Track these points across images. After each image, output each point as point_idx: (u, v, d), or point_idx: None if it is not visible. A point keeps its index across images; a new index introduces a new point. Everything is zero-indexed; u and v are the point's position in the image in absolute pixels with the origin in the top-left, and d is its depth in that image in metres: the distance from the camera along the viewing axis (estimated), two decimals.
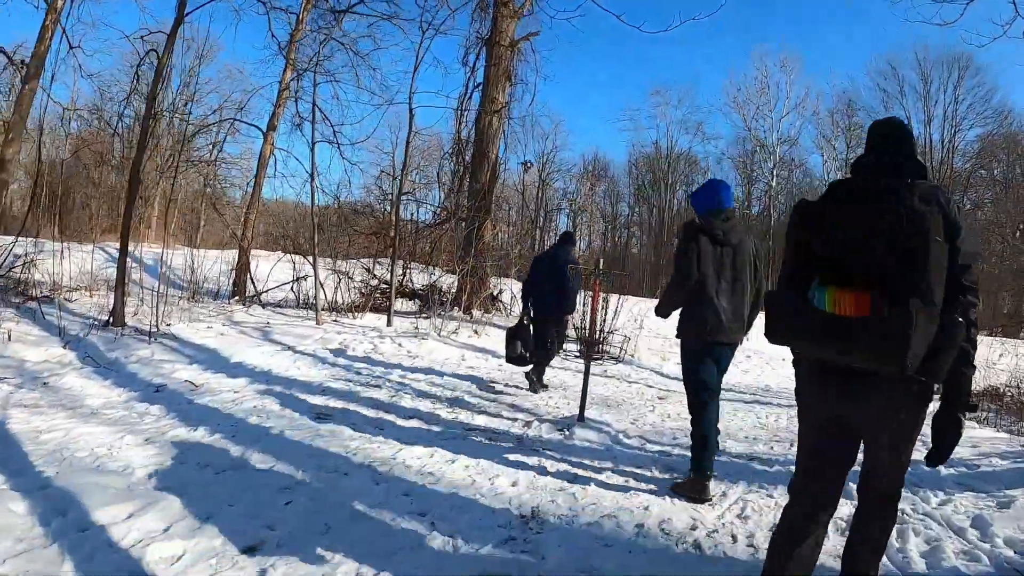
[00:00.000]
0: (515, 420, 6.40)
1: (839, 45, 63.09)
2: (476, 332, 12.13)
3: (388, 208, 19.01)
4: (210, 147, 34.72)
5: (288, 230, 17.73)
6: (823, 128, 49.88)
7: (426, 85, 42.73)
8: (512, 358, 7.88)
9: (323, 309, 13.30)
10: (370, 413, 6.12)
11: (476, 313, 14.49)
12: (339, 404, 6.38)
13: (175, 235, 28.08)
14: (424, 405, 6.68)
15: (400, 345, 10.22)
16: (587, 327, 6.79)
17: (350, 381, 7.56)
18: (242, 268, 15.06)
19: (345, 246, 15.51)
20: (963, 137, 44.87)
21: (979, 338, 2.55)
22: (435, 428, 5.82)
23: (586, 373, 6.61)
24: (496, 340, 11.75)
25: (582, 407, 6.49)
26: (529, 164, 15.53)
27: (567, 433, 5.96)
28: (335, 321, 12.39)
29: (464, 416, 6.39)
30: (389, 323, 12.16)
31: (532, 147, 44.55)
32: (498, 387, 8.11)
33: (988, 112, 44.52)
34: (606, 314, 6.43)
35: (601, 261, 6.60)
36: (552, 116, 36.78)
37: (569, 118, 68.39)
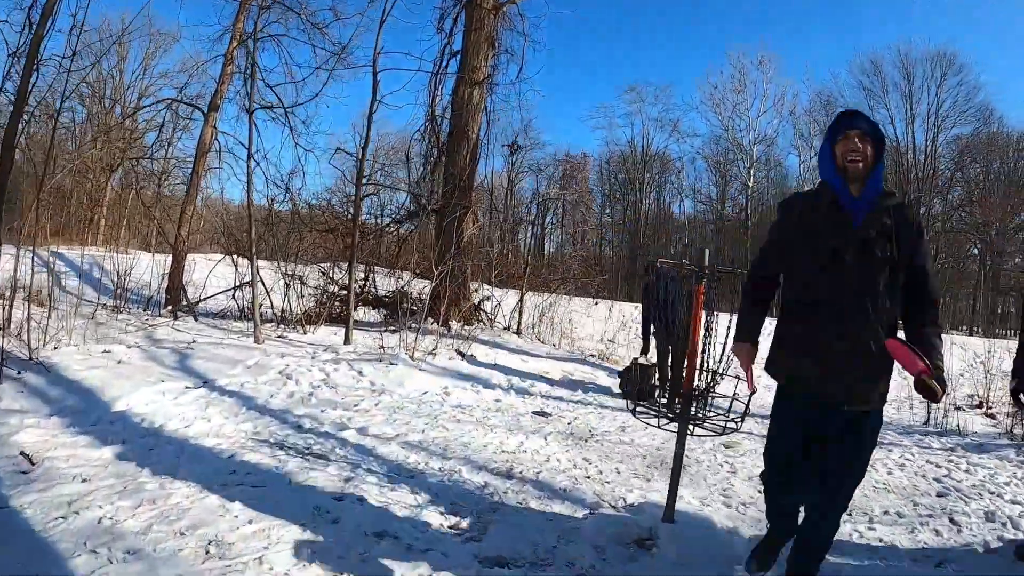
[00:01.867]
0: (562, 520, 3.98)
1: (821, 43, 61.94)
2: (459, 353, 9.71)
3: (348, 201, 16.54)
4: (163, 142, 31.60)
5: (231, 227, 14.98)
6: (800, 128, 48.65)
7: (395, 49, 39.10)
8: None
9: (268, 321, 10.79)
10: (303, 534, 3.45)
11: (455, 326, 12.07)
12: (250, 510, 3.67)
13: (127, 240, 25.14)
14: (399, 503, 4.03)
15: (360, 373, 7.78)
16: (683, 367, 4.30)
17: (280, 447, 5.00)
18: (175, 273, 12.41)
19: (297, 246, 12.92)
20: (945, 136, 44.07)
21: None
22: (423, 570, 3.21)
23: (680, 445, 3.82)
24: (486, 362, 9.37)
25: (671, 498, 3.92)
26: (517, 146, 12.69)
27: (648, 544, 3.55)
28: (281, 337, 9.90)
29: (469, 522, 3.87)
30: (347, 340, 9.71)
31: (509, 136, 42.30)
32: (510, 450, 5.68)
33: (971, 111, 43.81)
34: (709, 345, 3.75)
35: (707, 253, 3.89)
36: (537, 94, 33.76)
37: (541, 114, 65.92)
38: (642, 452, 5.86)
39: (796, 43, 61.63)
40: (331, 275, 12.55)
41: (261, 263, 9.92)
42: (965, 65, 43.40)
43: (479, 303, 13.32)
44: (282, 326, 10.93)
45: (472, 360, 9.52)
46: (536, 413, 7.23)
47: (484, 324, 13.01)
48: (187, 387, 6.49)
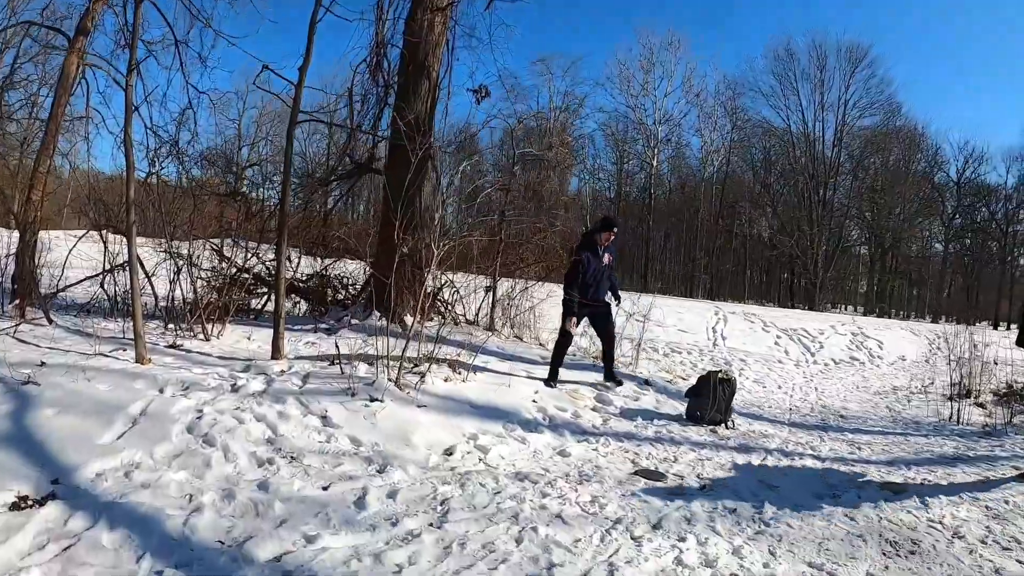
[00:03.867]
0: None
1: (736, 25, 61.50)
2: (461, 368, 6.68)
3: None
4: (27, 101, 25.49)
5: (99, 193, 10.94)
6: (705, 109, 47.77)
7: None
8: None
9: (152, 318, 7.42)
10: None
11: (410, 321, 8.99)
12: None
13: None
14: None
15: (326, 421, 4.80)
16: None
17: None
18: (23, 255, 8.64)
19: (190, 217, 9.32)
20: (851, 128, 44.69)
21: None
22: None
23: None
24: (490, 381, 6.49)
25: None
26: (485, 91, 9.44)
27: None
28: (174, 348, 6.66)
29: None
30: (277, 351, 6.47)
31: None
32: None
33: (879, 103, 44.64)
34: None
35: None
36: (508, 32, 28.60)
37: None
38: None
39: (709, 24, 61.10)
40: (228, 255, 9.14)
41: (139, 241, 6.50)
42: (877, 59, 43.84)
43: (437, 291, 10.22)
44: (172, 327, 7.52)
45: (490, 381, 6.58)
46: (643, 474, 4.64)
47: (445, 319, 9.94)
48: (8, 505, 3.16)
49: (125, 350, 6.11)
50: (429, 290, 9.95)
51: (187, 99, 9.39)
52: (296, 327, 8.78)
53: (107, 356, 5.94)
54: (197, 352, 6.64)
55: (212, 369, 5.84)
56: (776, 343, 13.59)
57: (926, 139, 45.91)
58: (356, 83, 9.77)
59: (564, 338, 7.30)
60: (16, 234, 9.01)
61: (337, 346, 6.72)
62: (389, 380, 5.67)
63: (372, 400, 5.15)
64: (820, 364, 12.17)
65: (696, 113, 47.90)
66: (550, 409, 6.08)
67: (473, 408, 5.61)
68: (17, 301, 8.07)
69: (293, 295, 10.14)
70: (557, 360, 7.27)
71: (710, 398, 6.32)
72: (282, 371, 5.98)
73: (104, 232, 8.76)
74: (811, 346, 13.54)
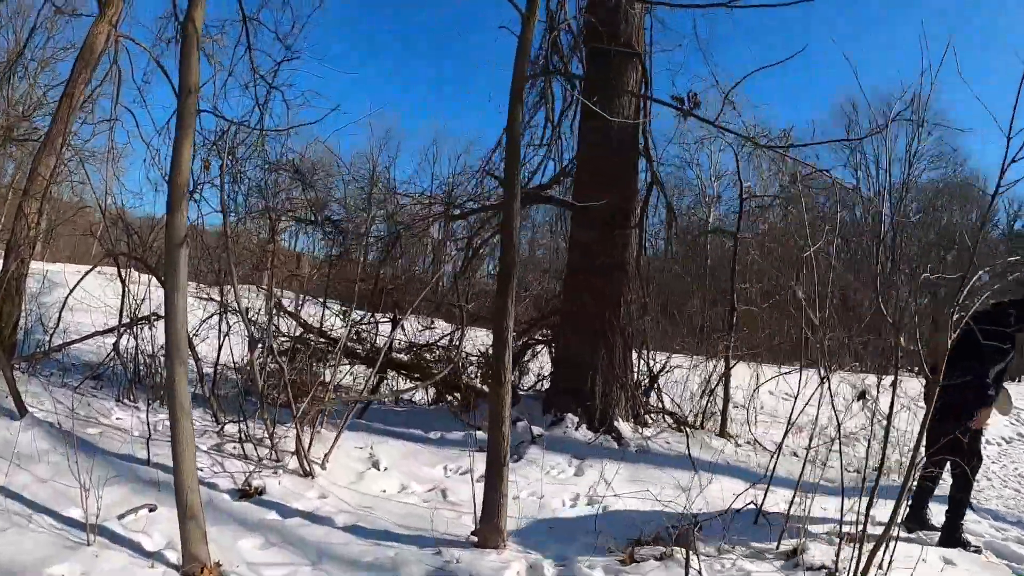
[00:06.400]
0: None
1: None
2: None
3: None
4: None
5: (121, 214, 7.24)
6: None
7: None
8: None
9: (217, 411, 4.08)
10: None
11: (625, 429, 5.42)
12: None
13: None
14: None
15: None
16: None
17: None
18: (8, 292, 5.19)
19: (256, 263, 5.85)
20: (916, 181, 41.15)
21: None
22: None
23: None
24: None
25: None
26: (694, 100, 5.70)
27: None
28: (247, 494, 3.53)
29: None
30: (494, 532, 2.85)
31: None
32: None
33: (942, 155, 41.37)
34: None
35: None
36: None
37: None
38: None
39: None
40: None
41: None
42: (941, 112, 40.44)
43: (653, 378, 6.57)
44: (241, 439, 4.02)
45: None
46: None
47: (664, 421, 6.27)
48: None
49: (142, 512, 2.67)
50: (641, 379, 6.42)
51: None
52: (432, 433, 5.36)
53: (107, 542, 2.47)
54: (300, 514, 3.43)
55: None
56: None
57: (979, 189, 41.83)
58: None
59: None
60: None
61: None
62: None
63: None
64: None
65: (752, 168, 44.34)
66: None
67: None
68: None
69: (396, 371, 6.59)
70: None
71: None
72: None
73: (125, 264, 5.34)
74: None
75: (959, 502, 4.14)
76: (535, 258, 19.89)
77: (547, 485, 4.24)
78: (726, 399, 6.76)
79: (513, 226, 3.31)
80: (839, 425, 3.66)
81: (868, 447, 5.47)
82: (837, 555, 3.17)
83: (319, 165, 8.01)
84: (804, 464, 3.79)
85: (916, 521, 4.31)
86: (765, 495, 3.90)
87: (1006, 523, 5.19)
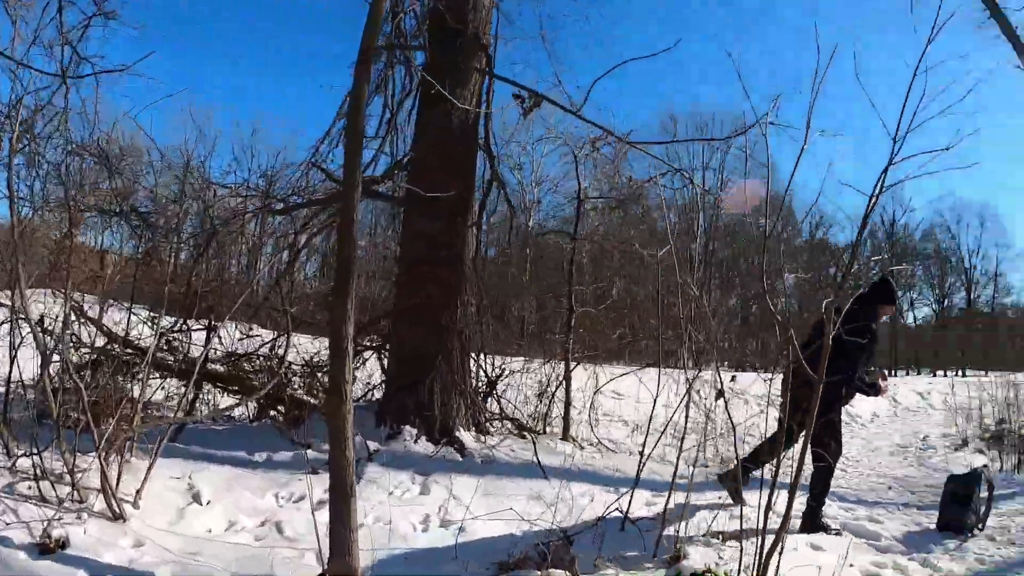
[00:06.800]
0: None
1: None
2: None
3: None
4: None
5: None
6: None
7: None
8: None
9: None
10: None
11: (468, 439, 5.18)
12: None
13: None
14: None
15: None
16: None
17: None
18: None
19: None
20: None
21: None
22: None
23: None
24: None
25: None
26: (535, 99, 5.29)
27: None
28: (50, 549, 2.78)
29: None
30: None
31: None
32: None
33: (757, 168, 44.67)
34: None
35: None
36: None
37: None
38: None
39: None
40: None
41: None
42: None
43: (492, 383, 6.31)
44: (36, 477, 3.27)
45: None
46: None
47: (505, 428, 6.04)
48: None
49: None
50: (480, 385, 6.19)
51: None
52: (257, 454, 4.76)
53: None
54: (112, 570, 2.85)
55: None
56: None
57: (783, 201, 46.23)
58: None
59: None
60: None
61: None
62: None
63: None
64: None
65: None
66: None
67: None
68: None
69: (213, 384, 5.87)
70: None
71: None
72: None
73: None
74: None
75: (819, 489, 4.33)
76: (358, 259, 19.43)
77: (393, 507, 3.82)
78: (567, 402, 6.67)
79: (353, 219, 2.89)
80: (707, 422, 3.63)
81: (703, 441, 5.64)
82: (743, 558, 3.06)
83: (128, 150, 7.02)
84: (676, 465, 3.66)
85: (735, 480, 4.47)
86: (630, 501, 3.77)
87: (850, 503, 5.53)
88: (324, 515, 2.81)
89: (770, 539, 2.71)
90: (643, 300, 9.79)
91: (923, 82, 2.49)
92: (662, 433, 4.25)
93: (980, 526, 4.96)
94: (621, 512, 3.76)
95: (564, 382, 6.77)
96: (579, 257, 8.66)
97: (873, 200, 2.84)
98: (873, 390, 4.64)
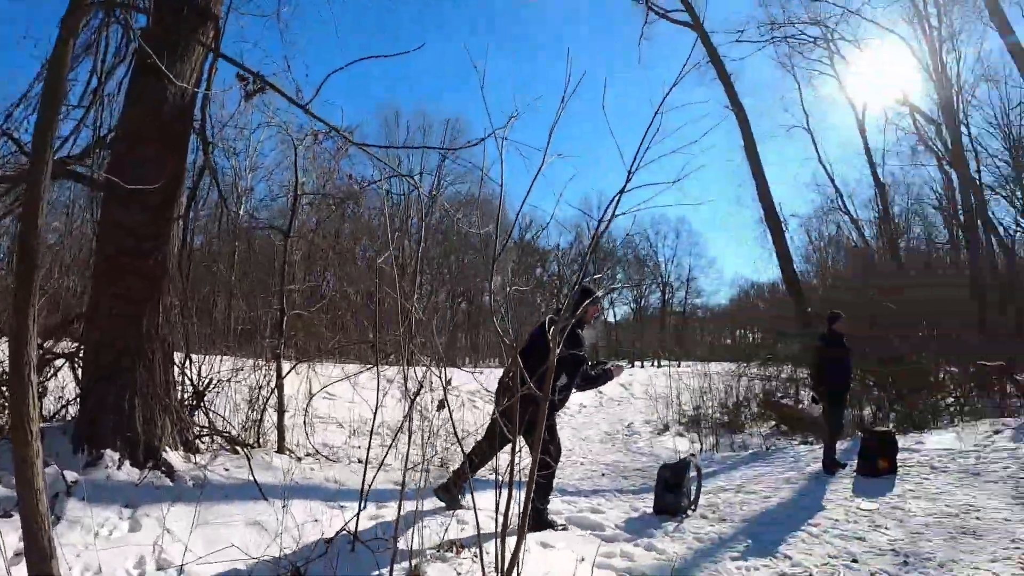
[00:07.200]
0: None
1: None
2: None
3: None
4: None
5: None
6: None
7: None
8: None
9: None
10: None
11: (175, 460, 4.66)
12: None
13: None
14: None
15: None
16: None
17: None
18: None
19: None
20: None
21: None
22: None
23: None
24: None
25: None
26: (260, 83, 4.80)
27: None
28: None
29: None
30: None
31: None
32: None
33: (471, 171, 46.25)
34: None
35: None
36: None
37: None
38: None
39: None
40: None
41: None
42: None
43: (200, 394, 5.67)
44: None
45: None
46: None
47: (216, 443, 5.49)
48: None
49: None
50: (187, 396, 5.62)
51: None
52: None
53: None
54: None
55: None
56: None
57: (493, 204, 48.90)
58: None
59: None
60: None
61: None
62: None
63: None
64: None
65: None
66: None
67: None
68: None
69: None
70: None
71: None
72: None
73: None
74: None
75: (543, 488, 4.54)
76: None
77: (102, 551, 3.21)
78: (280, 410, 6.27)
79: (39, 202, 2.35)
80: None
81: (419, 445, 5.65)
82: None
83: None
84: (404, 475, 3.51)
85: (447, 491, 4.60)
86: (358, 518, 3.60)
87: (570, 495, 5.93)
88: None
89: (511, 541, 2.73)
90: (357, 299, 9.62)
91: (659, 120, 2.68)
92: (394, 440, 4.18)
93: (693, 507, 5.68)
94: (350, 533, 3.59)
95: (277, 390, 6.37)
96: (291, 256, 8.26)
97: (605, 225, 3.05)
98: (606, 375, 5.05)
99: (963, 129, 20.80)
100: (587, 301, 4.72)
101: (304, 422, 6.56)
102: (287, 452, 5.99)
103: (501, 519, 2.83)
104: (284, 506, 3.81)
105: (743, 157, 16.18)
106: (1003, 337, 14.62)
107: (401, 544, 3.38)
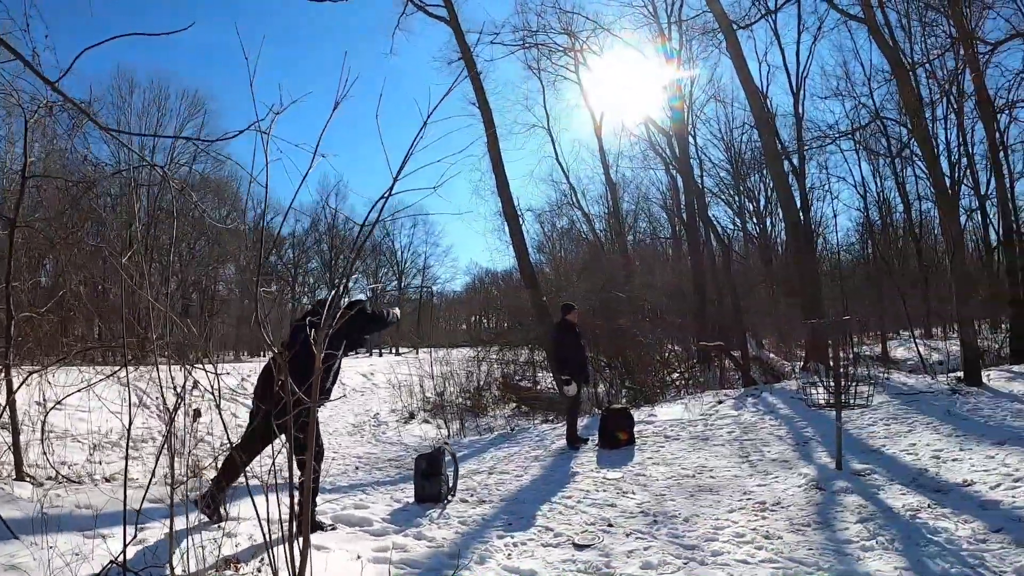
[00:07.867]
0: None
1: None
2: None
3: None
4: None
5: None
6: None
7: None
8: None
9: None
10: None
11: None
12: None
13: None
14: None
15: None
16: None
17: None
18: None
19: None
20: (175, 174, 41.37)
21: None
22: None
23: None
24: None
25: None
26: None
27: None
28: None
29: None
30: None
31: None
32: None
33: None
34: None
35: None
36: None
37: None
38: None
39: None
40: None
41: None
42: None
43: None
44: None
45: None
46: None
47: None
48: None
49: None
50: None
51: None
52: None
53: None
54: None
55: None
56: None
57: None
58: None
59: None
60: None
61: None
62: None
63: None
64: None
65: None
66: None
67: None
68: None
69: None
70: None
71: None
72: None
73: None
74: None
75: (311, 490, 4.45)
76: None
77: None
78: (15, 431, 5.52)
79: None
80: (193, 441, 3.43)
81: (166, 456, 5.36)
82: None
83: None
84: (172, 494, 3.17)
85: (208, 505, 4.32)
86: (125, 545, 3.21)
87: (329, 493, 5.93)
88: None
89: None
90: (84, 292, 8.70)
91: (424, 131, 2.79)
92: (159, 457, 3.88)
93: (452, 493, 5.96)
94: (119, 565, 3.25)
95: (9, 406, 5.60)
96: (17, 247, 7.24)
97: (371, 228, 3.20)
98: (391, 316, 5.37)
99: (691, 140, 23.91)
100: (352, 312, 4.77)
101: (42, 440, 5.84)
102: (27, 479, 5.31)
103: (285, 527, 2.79)
104: (40, 542, 3.39)
105: (484, 152, 16.86)
106: (721, 325, 17.06)
107: (178, 568, 3.21)
